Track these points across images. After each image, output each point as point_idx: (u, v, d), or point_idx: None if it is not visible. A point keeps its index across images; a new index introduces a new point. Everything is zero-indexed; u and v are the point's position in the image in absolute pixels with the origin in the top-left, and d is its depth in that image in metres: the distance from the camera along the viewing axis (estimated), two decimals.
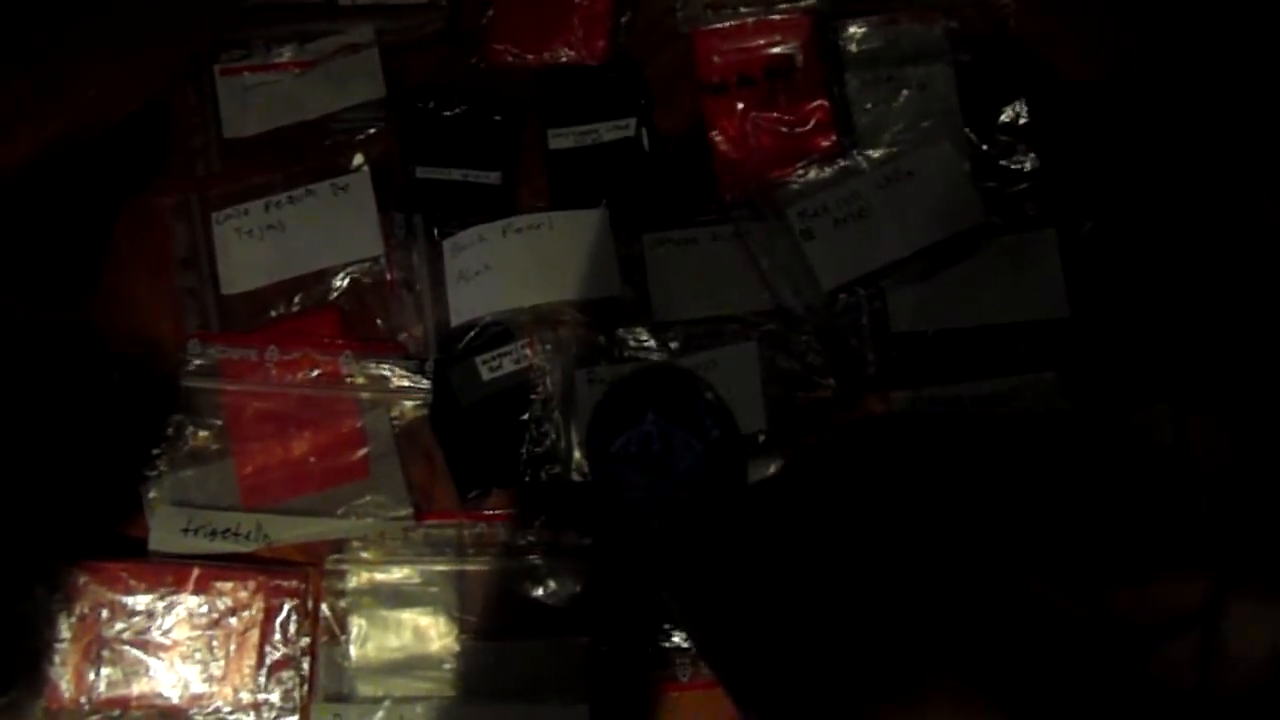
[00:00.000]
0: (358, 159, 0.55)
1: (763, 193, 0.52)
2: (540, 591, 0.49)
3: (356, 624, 0.50)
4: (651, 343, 0.51)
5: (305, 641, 0.50)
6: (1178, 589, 0.17)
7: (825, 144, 0.53)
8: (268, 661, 0.49)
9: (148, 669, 0.49)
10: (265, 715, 0.49)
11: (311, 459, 0.52)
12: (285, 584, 0.50)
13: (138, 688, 0.49)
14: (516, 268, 0.52)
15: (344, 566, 0.50)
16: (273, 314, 0.54)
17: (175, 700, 0.49)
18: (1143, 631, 0.17)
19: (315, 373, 0.52)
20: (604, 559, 0.49)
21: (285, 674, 0.49)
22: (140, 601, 0.50)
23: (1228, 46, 0.53)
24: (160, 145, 0.56)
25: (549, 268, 0.52)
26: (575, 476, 0.49)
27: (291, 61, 0.57)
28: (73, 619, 0.49)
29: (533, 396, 0.51)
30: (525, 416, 0.51)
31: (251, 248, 0.54)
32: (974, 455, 0.19)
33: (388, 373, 0.52)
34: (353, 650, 0.49)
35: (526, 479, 0.50)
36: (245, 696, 0.49)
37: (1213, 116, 0.52)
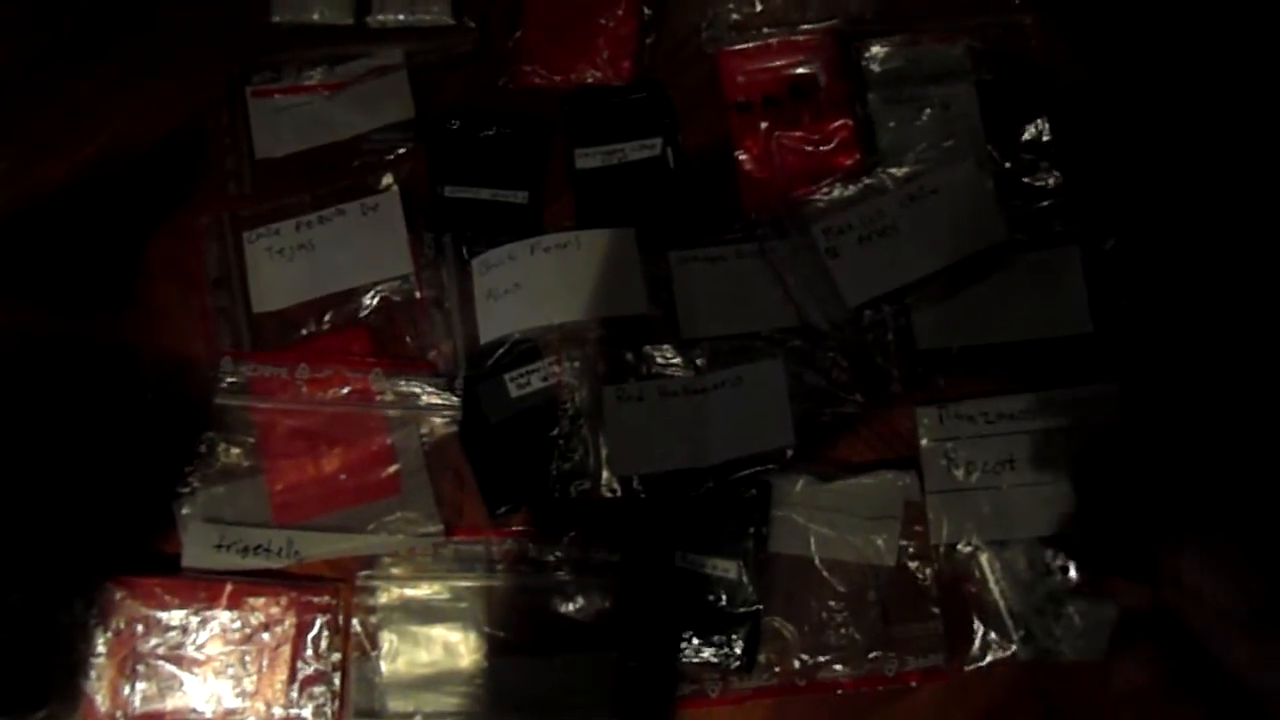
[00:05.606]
0: (387, 179, 0.56)
1: (788, 210, 0.53)
2: (569, 607, 0.50)
3: (387, 639, 0.50)
4: (678, 360, 0.52)
5: (336, 657, 0.50)
6: None
7: (849, 162, 0.54)
8: (299, 677, 0.50)
9: (182, 684, 0.50)
10: None
11: (342, 476, 0.52)
12: (317, 600, 0.51)
13: (172, 702, 0.49)
14: (545, 286, 0.52)
15: (374, 582, 0.51)
16: (303, 332, 0.55)
17: (208, 715, 0.49)
18: None
19: (345, 390, 0.53)
20: (632, 575, 0.50)
21: (317, 689, 0.50)
22: (175, 617, 0.50)
23: (1250, 64, 0.53)
24: (193, 166, 0.57)
25: (577, 286, 0.52)
26: (604, 493, 0.50)
27: (322, 84, 0.58)
28: (108, 634, 0.50)
29: (561, 413, 0.51)
30: (554, 433, 0.51)
31: (282, 267, 0.55)
32: None
33: (417, 390, 0.53)
34: (383, 665, 0.50)
35: (555, 495, 0.51)
36: (277, 711, 0.49)
37: (1235, 133, 0.52)
